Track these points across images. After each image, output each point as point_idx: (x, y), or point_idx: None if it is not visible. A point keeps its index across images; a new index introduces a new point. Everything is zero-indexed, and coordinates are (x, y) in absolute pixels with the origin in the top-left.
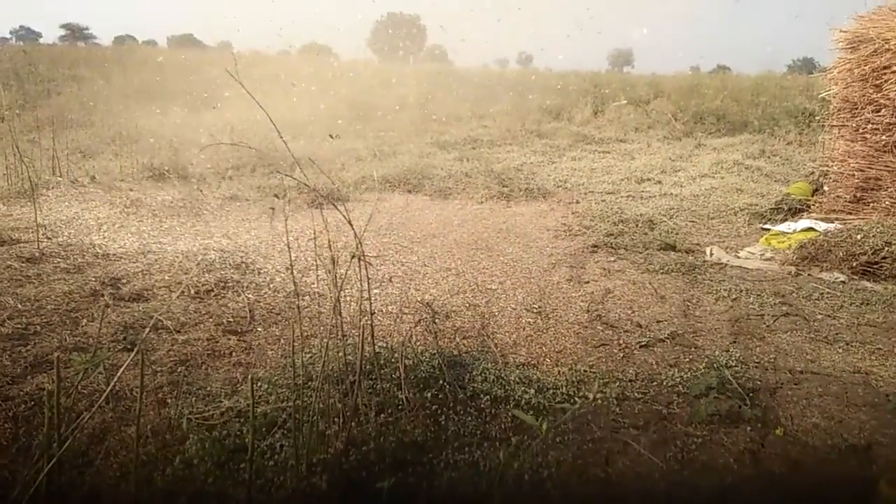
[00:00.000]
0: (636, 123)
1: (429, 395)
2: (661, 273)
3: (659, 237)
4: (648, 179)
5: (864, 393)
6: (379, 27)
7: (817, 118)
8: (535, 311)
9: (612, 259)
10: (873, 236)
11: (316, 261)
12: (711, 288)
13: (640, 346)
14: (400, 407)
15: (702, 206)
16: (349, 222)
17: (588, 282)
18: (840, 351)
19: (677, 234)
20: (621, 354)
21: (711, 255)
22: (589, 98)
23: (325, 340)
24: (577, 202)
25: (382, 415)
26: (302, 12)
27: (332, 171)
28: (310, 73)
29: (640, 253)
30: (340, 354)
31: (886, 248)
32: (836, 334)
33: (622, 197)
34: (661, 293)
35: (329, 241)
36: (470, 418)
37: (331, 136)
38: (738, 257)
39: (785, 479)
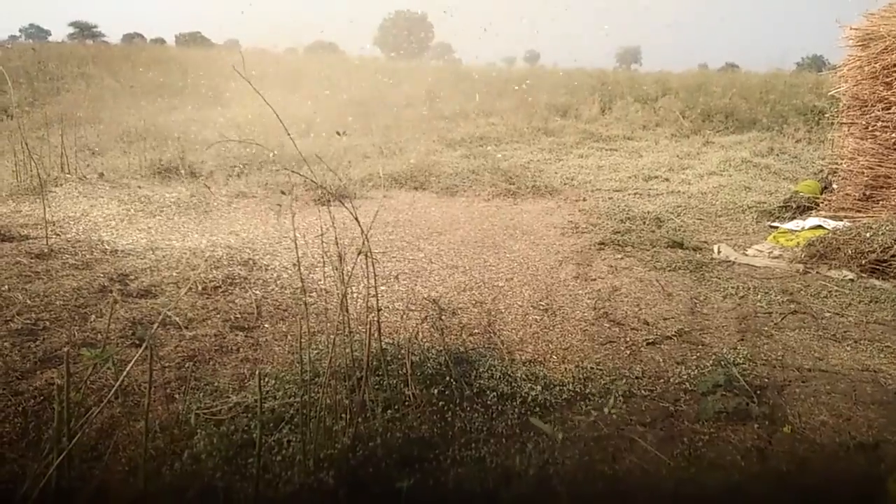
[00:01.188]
0: (644, 121)
1: (435, 391)
2: (669, 270)
3: (666, 235)
4: (656, 177)
5: (872, 391)
6: (386, 24)
7: (827, 116)
8: (541, 308)
9: (619, 256)
10: (882, 234)
11: (323, 258)
12: (719, 286)
13: (648, 344)
14: (407, 403)
15: (710, 203)
16: (356, 219)
17: (595, 279)
18: (848, 349)
19: (685, 231)
20: (628, 352)
21: (719, 252)
22: (596, 95)
23: (332, 337)
24: (584, 200)
25: (389, 411)
26: (309, 10)
27: (339, 169)
28: (317, 71)
29: (648, 250)
30: (347, 351)
31: (895, 246)
32: (845, 332)
33: (629, 194)
34: (668, 291)
35: (336, 238)
36: (477, 415)
37: (338, 133)
38: (746, 255)
39: (793, 476)
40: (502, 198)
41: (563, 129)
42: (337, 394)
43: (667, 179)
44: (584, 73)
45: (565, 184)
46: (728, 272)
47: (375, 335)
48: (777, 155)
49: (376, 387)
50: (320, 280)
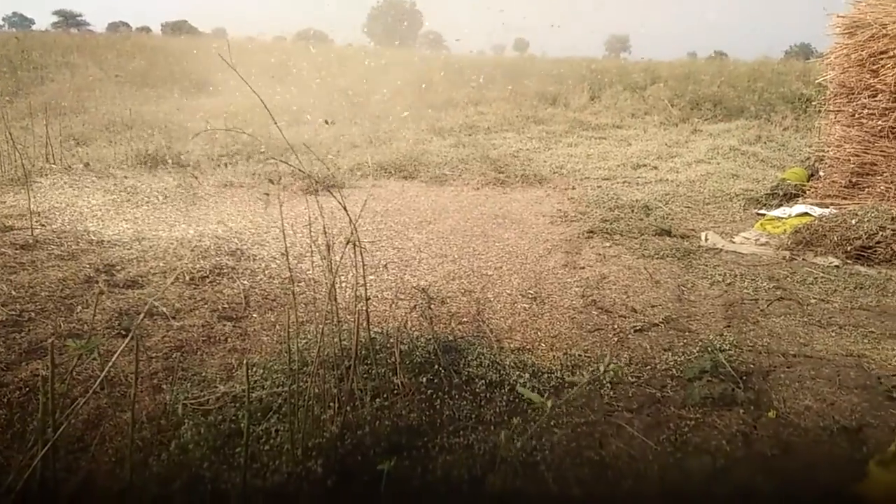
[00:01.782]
0: (633, 109)
1: (424, 379)
2: (657, 258)
3: (654, 223)
4: (644, 165)
5: (856, 376)
6: (375, 13)
7: (814, 103)
8: (530, 296)
9: (608, 245)
10: (868, 221)
11: (311, 247)
12: (706, 273)
13: (635, 331)
14: (395, 392)
15: (697, 191)
16: (344, 208)
17: (583, 267)
18: (833, 335)
19: (673, 219)
20: (616, 339)
21: (706, 240)
22: (585, 84)
23: (320, 326)
24: (573, 188)
25: (378, 399)
26: None
27: (327, 158)
28: (305, 60)
29: (636, 238)
30: (336, 340)
31: (880, 233)
32: (830, 318)
33: (618, 183)
34: (655, 278)
35: (324, 228)
36: (465, 402)
37: (326, 122)
38: (734, 242)
39: (777, 460)
40: (491, 186)
41: (552, 117)
42: (325, 383)
43: (655, 168)
44: (574, 61)
45: (554, 172)
46: (715, 259)
47: (364, 324)
48: (764, 143)
49: (364, 376)
50: (309, 270)
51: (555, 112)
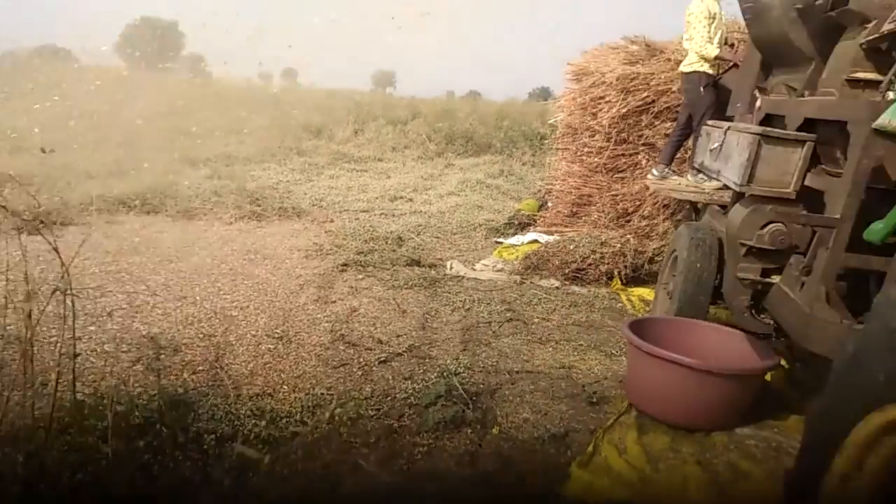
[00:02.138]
0: (394, 143)
1: (142, 443)
2: (405, 288)
3: (406, 253)
4: (401, 197)
5: (566, 386)
6: (130, 31)
7: (546, 141)
8: (276, 336)
9: (361, 277)
10: (582, 246)
11: (6, 298)
12: (449, 300)
13: (380, 362)
14: (104, 462)
15: (447, 222)
16: (55, 249)
17: (335, 301)
18: (550, 350)
19: (423, 249)
20: (360, 373)
21: (451, 268)
22: (351, 117)
23: (5, 394)
24: (332, 221)
25: (79, 475)
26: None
27: (56, 190)
28: (41, 78)
29: (388, 269)
30: (29, 408)
31: (591, 256)
32: (549, 335)
33: (375, 215)
34: (403, 308)
35: (26, 274)
36: (189, 463)
37: (43, 151)
38: (475, 269)
39: (497, 474)
40: (246, 221)
41: (316, 149)
42: (8, 463)
43: (411, 200)
44: (341, 93)
45: (314, 205)
46: (458, 287)
47: (71, 386)
48: (506, 176)
49: (65, 448)
50: (10, 325)
51: (318, 144)
